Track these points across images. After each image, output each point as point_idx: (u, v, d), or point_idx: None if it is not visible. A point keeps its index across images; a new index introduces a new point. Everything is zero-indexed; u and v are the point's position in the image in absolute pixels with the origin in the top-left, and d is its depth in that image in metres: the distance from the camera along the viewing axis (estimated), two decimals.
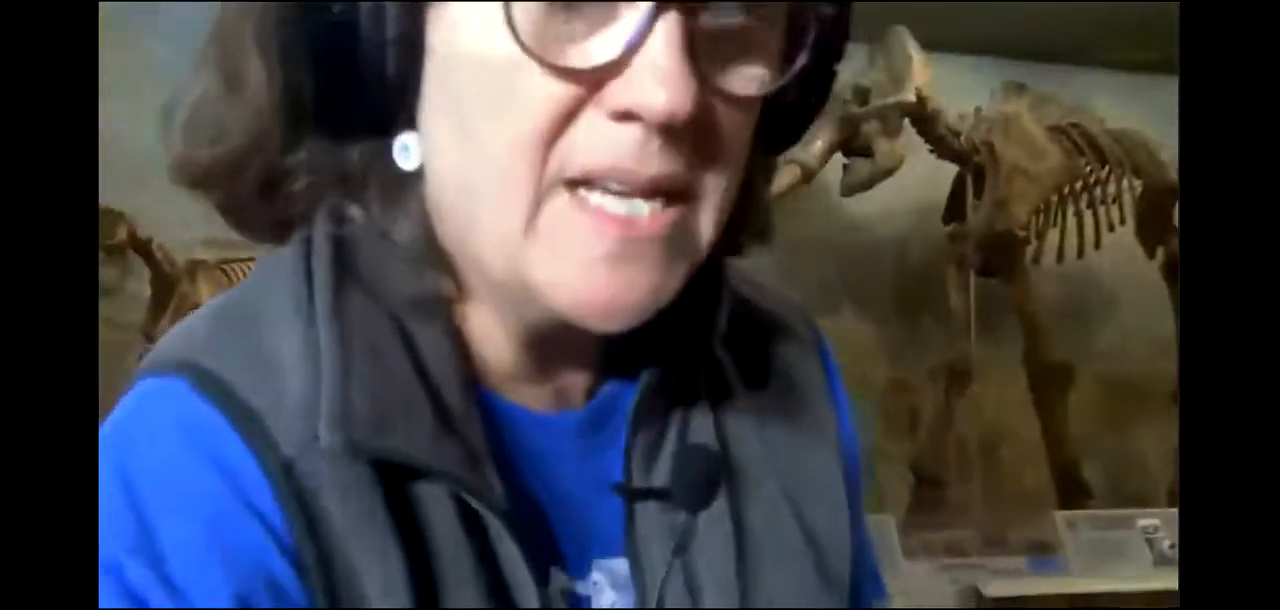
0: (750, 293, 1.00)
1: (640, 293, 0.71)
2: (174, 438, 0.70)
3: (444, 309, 0.77)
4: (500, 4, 0.65)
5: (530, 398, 0.81)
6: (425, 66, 0.71)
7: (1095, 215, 6.81)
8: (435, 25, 0.70)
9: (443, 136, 0.72)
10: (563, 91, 0.67)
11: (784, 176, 6.06)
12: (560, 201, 0.70)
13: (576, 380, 0.84)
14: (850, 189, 6.28)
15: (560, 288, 0.71)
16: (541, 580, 0.75)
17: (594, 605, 0.80)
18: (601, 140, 0.69)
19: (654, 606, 0.78)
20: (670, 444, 0.82)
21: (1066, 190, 6.75)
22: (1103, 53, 8.17)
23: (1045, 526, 5.62)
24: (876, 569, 1.04)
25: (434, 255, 0.76)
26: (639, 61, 0.66)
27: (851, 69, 6.69)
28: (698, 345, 0.84)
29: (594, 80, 0.67)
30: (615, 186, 0.69)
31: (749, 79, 0.73)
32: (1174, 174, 7.10)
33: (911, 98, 6.14)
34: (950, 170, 6.77)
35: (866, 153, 6.06)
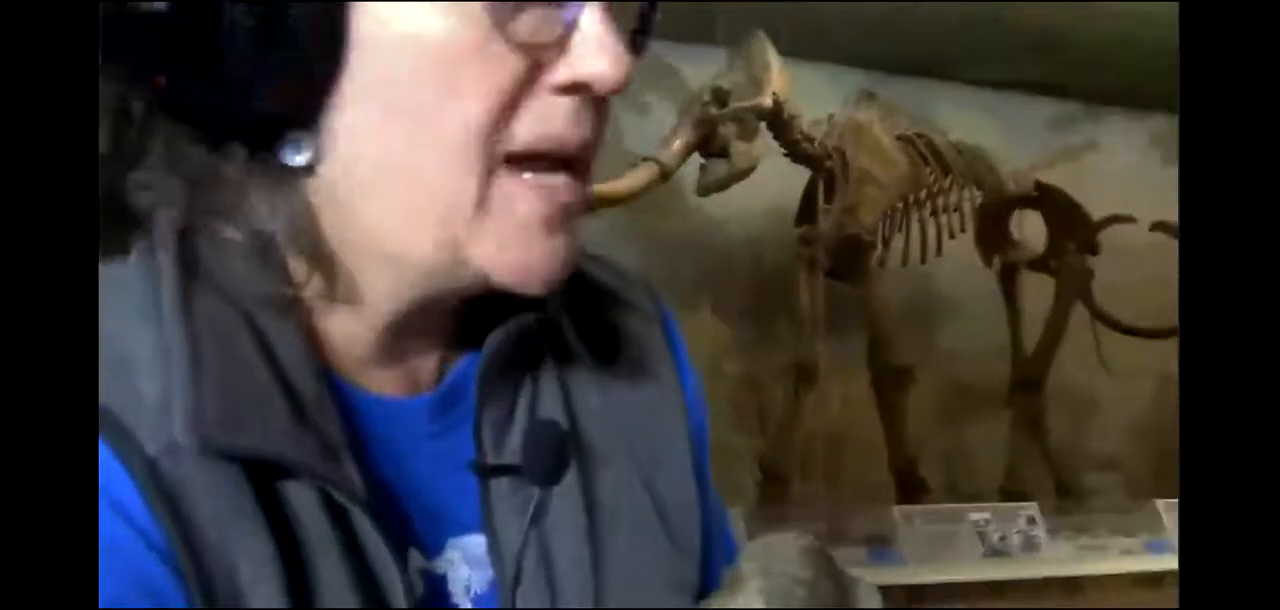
0: (592, 268, 1.00)
1: (564, 256, 0.80)
2: None
3: (295, 303, 0.78)
4: None
5: (384, 383, 0.85)
6: (348, 57, 0.71)
7: (938, 223, 7.07)
8: (364, 15, 0.72)
9: (366, 126, 0.74)
10: (512, 71, 0.73)
11: (641, 174, 6.14)
12: (503, 178, 0.76)
13: (427, 363, 0.88)
14: (706, 189, 6.38)
15: (505, 259, 0.78)
16: (401, 562, 0.79)
17: (450, 583, 0.84)
18: (544, 115, 0.76)
19: (510, 580, 0.82)
20: (520, 420, 0.86)
21: (912, 198, 6.98)
22: (955, 69, 8.50)
23: (884, 520, 5.83)
24: (729, 532, 1.09)
25: (312, 249, 0.77)
26: (579, 38, 0.75)
27: (711, 72, 6.82)
28: (537, 312, 0.86)
29: (535, 60, 0.73)
30: (542, 162, 0.76)
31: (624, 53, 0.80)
32: (1012, 186, 7.45)
33: (768, 102, 6.29)
34: (804, 174, 6.94)
35: (723, 154, 6.16)
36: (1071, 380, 9.13)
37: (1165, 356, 9.41)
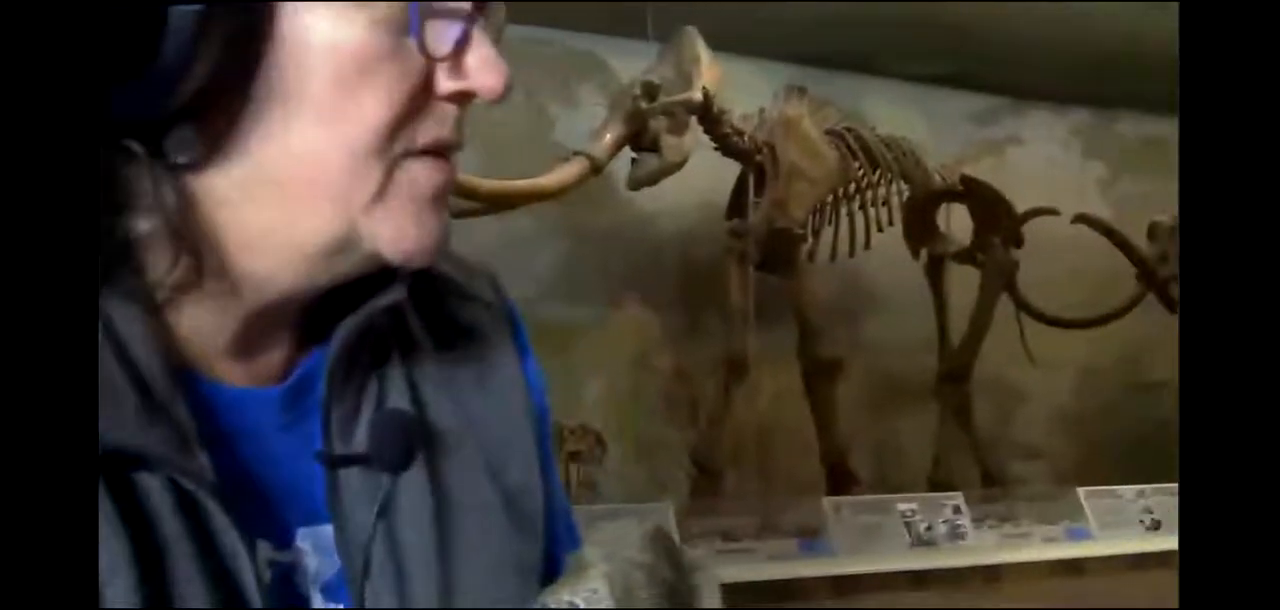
0: (438, 261, 1.02)
1: (443, 233, 0.91)
2: None
3: (147, 296, 0.78)
4: (391, 4, 0.77)
5: (235, 375, 0.86)
6: (262, 60, 0.76)
7: (866, 216, 7.14)
8: (288, 19, 0.76)
9: (277, 123, 0.78)
10: (414, 80, 0.83)
11: (572, 168, 6.13)
12: (399, 168, 0.84)
13: (277, 355, 0.90)
14: (637, 183, 6.38)
15: (401, 238, 0.85)
16: (250, 552, 0.80)
17: (299, 573, 0.84)
18: (439, 118, 0.87)
19: (358, 569, 0.83)
20: (367, 410, 0.88)
21: (841, 192, 7.04)
22: (884, 63, 8.59)
23: (813, 512, 5.87)
24: (570, 517, 1.10)
25: (182, 242, 0.78)
26: (470, 53, 0.86)
27: (641, 65, 6.82)
28: (380, 300, 0.90)
29: (430, 70, 0.83)
30: (429, 153, 0.86)
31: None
32: (938, 180, 7.54)
33: (699, 97, 6.30)
34: (734, 168, 6.96)
35: (654, 148, 6.16)
36: (997, 371, 9.30)
37: (1087, 347, 9.62)
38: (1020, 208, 7.66)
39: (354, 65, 0.77)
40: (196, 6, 0.70)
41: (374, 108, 0.79)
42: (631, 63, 7.39)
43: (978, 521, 6.08)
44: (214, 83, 0.73)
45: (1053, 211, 7.85)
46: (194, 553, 0.77)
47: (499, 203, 6.09)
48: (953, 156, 8.89)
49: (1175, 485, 6.62)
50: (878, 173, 7.07)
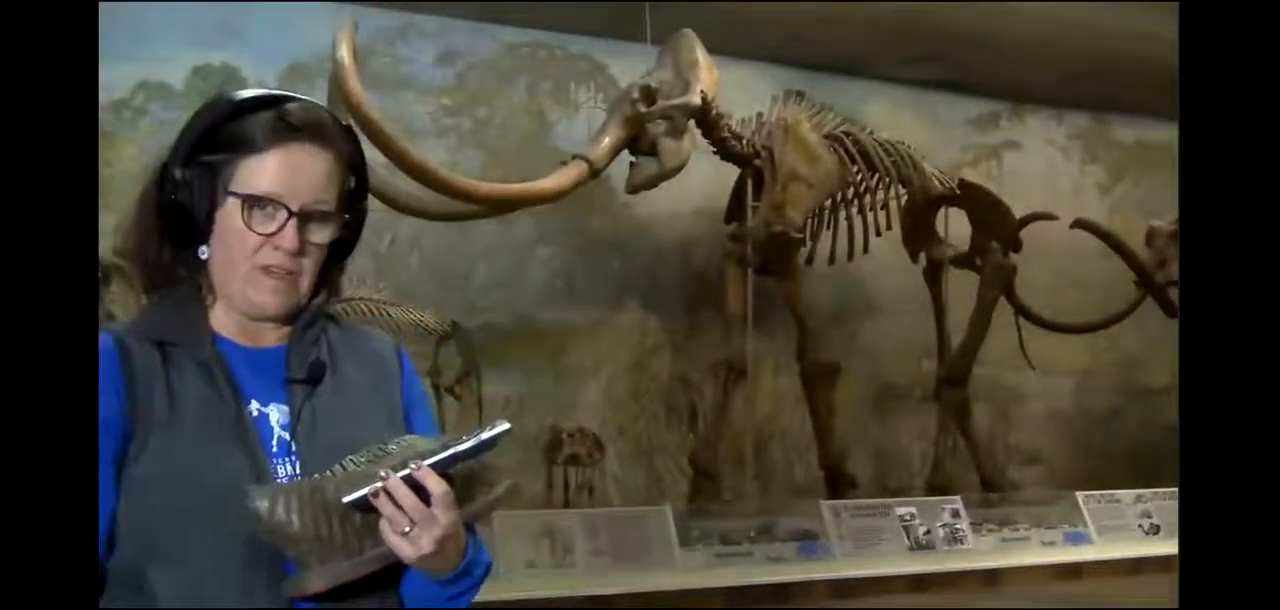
0: (338, 317, 1.90)
1: (289, 305, 1.76)
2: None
3: (202, 302, 1.78)
4: (234, 205, 1.70)
5: (244, 340, 1.79)
6: (215, 223, 1.73)
7: (864, 221, 7.13)
8: (220, 209, 1.73)
9: (215, 245, 1.75)
10: (259, 238, 1.71)
11: (570, 172, 6.12)
12: (256, 271, 1.73)
13: (271, 336, 1.80)
14: (635, 186, 6.38)
15: (258, 305, 1.75)
16: (241, 403, 1.72)
17: (270, 421, 1.74)
18: (272, 255, 1.71)
19: (295, 420, 1.75)
20: (306, 362, 1.78)
21: (839, 196, 7.03)
22: (883, 67, 8.60)
23: (812, 515, 5.87)
24: (431, 420, 1.96)
25: (209, 282, 1.77)
26: (284, 231, 1.70)
27: (639, 69, 6.83)
28: (310, 321, 1.82)
29: (268, 235, 1.72)
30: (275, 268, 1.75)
31: (322, 235, 1.76)
32: (937, 185, 7.54)
33: (697, 100, 6.34)
34: (732, 172, 6.97)
35: (652, 152, 6.16)
36: (995, 376, 9.30)
37: (1086, 352, 9.64)
38: (1018, 212, 7.68)
39: (236, 226, 1.71)
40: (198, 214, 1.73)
41: (242, 245, 1.72)
42: (630, 66, 7.48)
43: (976, 525, 6.08)
44: (202, 232, 1.75)
45: (1051, 216, 7.86)
46: (208, 395, 1.72)
47: (498, 206, 6.09)
48: (951, 161, 9.06)
49: (1174, 490, 6.62)
50: (876, 177, 7.06)
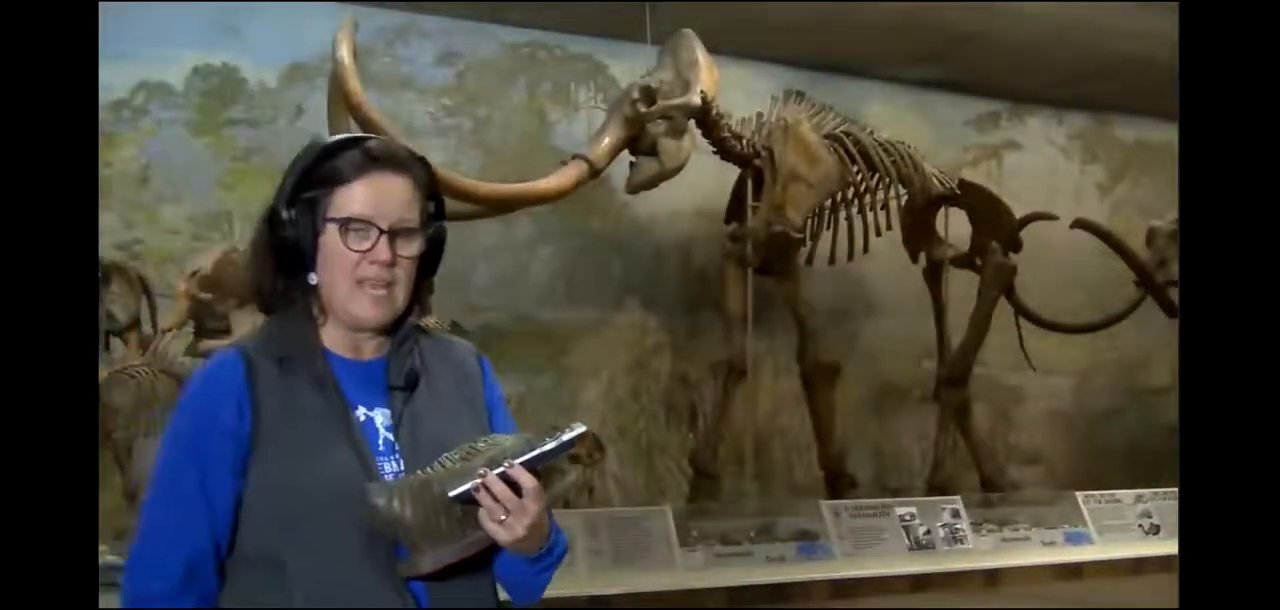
0: (430, 331, 2.18)
1: (386, 314, 2.03)
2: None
3: (313, 318, 2.05)
4: (333, 230, 2.01)
5: (350, 353, 2.06)
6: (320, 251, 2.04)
7: (864, 221, 7.12)
8: (321, 230, 2.02)
9: (321, 268, 2.03)
10: (356, 256, 1.99)
11: (570, 172, 6.12)
12: (355, 286, 2.01)
13: (371, 349, 2.08)
14: (635, 187, 6.38)
15: (359, 316, 2.02)
16: (349, 409, 2.00)
17: (376, 423, 2.01)
18: (368, 269, 1.99)
19: (396, 422, 2.03)
20: (403, 371, 2.06)
21: (839, 196, 7.03)
22: (883, 67, 8.61)
23: (812, 515, 5.87)
24: (509, 416, 2.22)
25: (318, 304, 2.05)
26: (376, 246, 2.00)
27: (639, 69, 6.83)
28: (406, 335, 2.11)
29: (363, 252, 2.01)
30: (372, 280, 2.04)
31: (409, 249, 2.04)
32: (937, 185, 7.54)
33: (697, 100, 6.32)
34: (733, 172, 6.98)
35: (652, 152, 6.16)
36: (996, 376, 9.31)
37: (1086, 352, 9.64)
38: (1018, 212, 7.67)
39: (338, 249, 2.00)
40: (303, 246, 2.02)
41: (344, 263, 2.00)
42: (630, 66, 7.49)
43: (976, 525, 6.07)
44: (310, 260, 2.03)
45: (1051, 216, 7.85)
46: (322, 403, 1.99)
47: (498, 206, 6.07)
48: (951, 161, 9.05)
49: (1174, 490, 6.63)
50: (876, 177, 7.05)
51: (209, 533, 1.92)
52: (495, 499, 1.86)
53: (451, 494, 1.86)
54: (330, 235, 1.95)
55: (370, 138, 2.08)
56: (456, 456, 1.92)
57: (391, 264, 1.97)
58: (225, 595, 1.95)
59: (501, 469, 1.86)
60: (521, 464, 1.87)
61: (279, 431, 1.94)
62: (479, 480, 1.84)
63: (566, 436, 1.92)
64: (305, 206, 1.97)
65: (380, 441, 1.98)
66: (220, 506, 1.92)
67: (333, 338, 2.01)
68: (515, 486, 1.87)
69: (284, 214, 1.96)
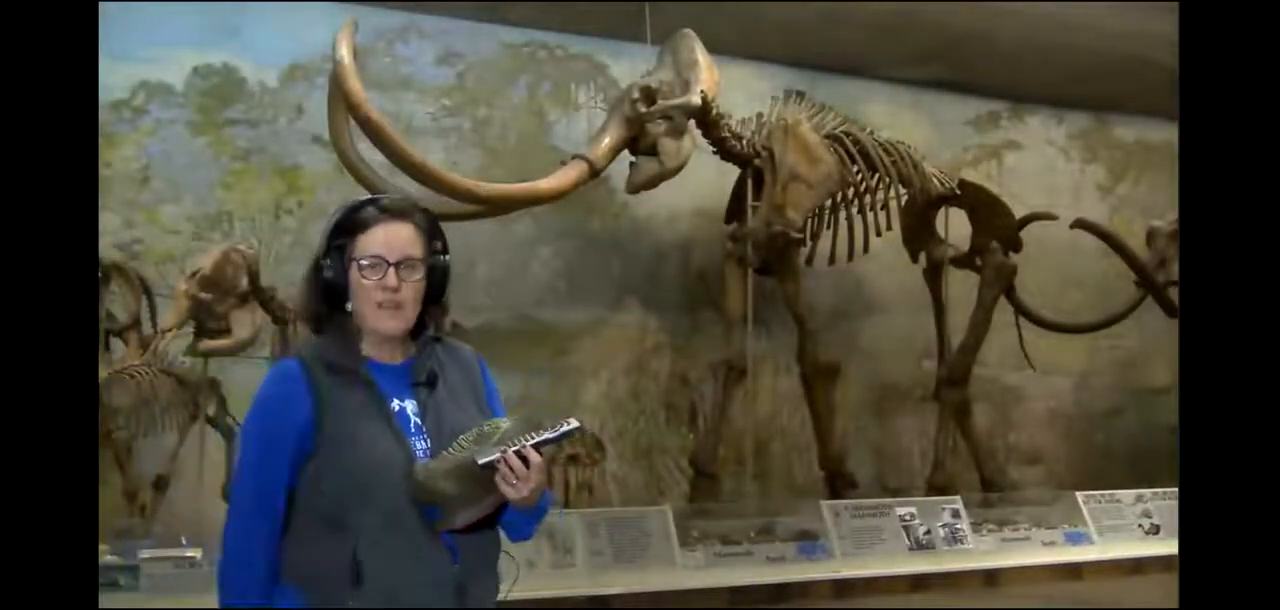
0: (443, 339, 2.75)
1: (399, 326, 2.63)
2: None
3: (354, 334, 2.62)
4: (356, 268, 2.61)
5: (383, 358, 2.64)
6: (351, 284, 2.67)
7: (864, 221, 7.12)
8: (350, 268, 2.62)
9: (355, 296, 2.60)
10: (373, 285, 2.58)
11: (570, 172, 6.11)
12: (375, 306, 2.59)
13: (399, 355, 2.66)
14: (635, 187, 6.38)
15: (381, 328, 2.60)
16: (383, 400, 2.59)
17: (408, 413, 2.60)
18: (381, 294, 2.58)
19: (422, 410, 2.62)
20: (426, 369, 2.66)
21: (839, 196, 7.02)
22: (883, 67, 8.60)
23: (812, 515, 5.87)
24: (502, 405, 2.78)
25: (356, 322, 2.62)
26: (386, 275, 2.60)
27: (639, 69, 6.82)
28: (425, 343, 2.72)
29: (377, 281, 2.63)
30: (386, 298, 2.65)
31: (412, 276, 2.64)
32: (937, 185, 7.53)
33: (697, 100, 6.32)
34: (733, 172, 6.97)
35: (652, 152, 6.16)
36: (996, 376, 9.30)
37: (1086, 352, 9.64)
38: (1018, 212, 7.66)
39: (362, 280, 2.58)
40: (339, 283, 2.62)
41: (368, 288, 2.57)
42: (630, 66, 7.47)
43: (976, 525, 6.07)
44: (345, 294, 2.62)
45: (1051, 216, 7.84)
46: (366, 398, 2.56)
47: (498, 206, 6.09)
48: (951, 161, 9.00)
49: (1174, 490, 6.62)
50: (876, 177, 7.04)
51: (279, 519, 2.54)
52: (510, 469, 2.43)
53: (481, 462, 2.43)
54: (356, 272, 2.56)
55: (383, 197, 2.73)
56: (470, 437, 2.51)
57: (397, 289, 2.57)
58: (294, 552, 2.53)
59: (516, 447, 2.43)
60: (533, 446, 2.44)
61: (337, 421, 2.54)
62: (501, 454, 2.42)
63: (565, 428, 2.48)
64: (338, 253, 2.58)
65: (411, 426, 2.58)
66: (283, 492, 2.53)
67: (370, 349, 2.61)
68: (525, 460, 2.44)
69: (326, 261, 2.57)
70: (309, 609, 2.50)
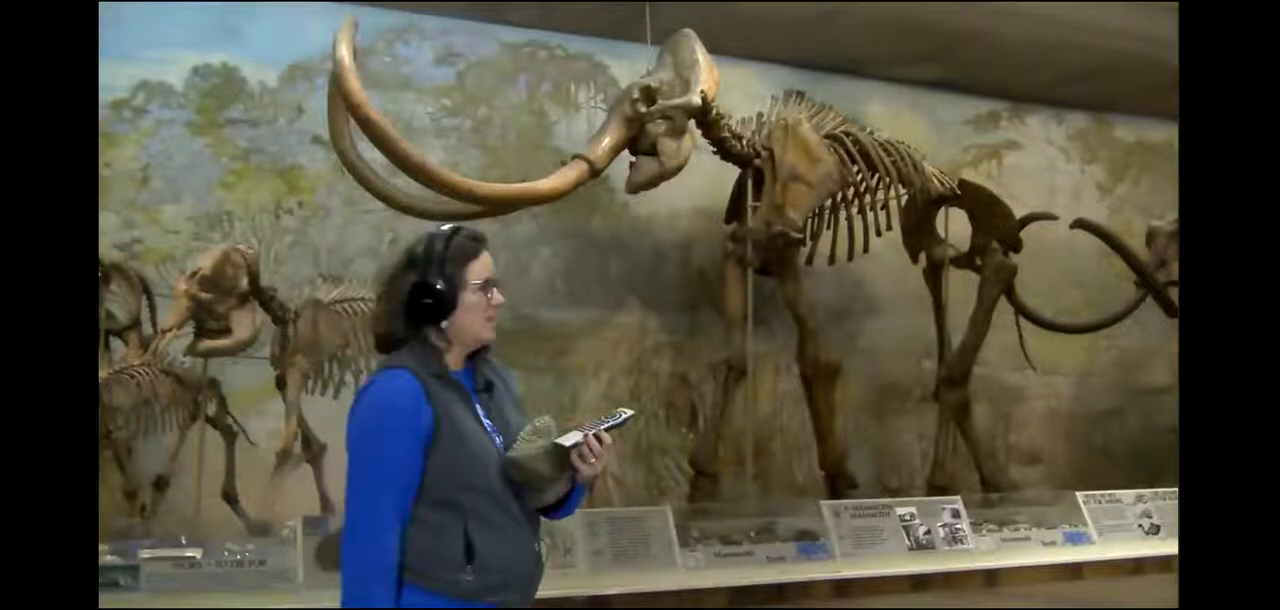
0: (491, 357, 3.21)
1: (494, 335, 3.13)
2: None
3: (441, 351, 3.04)
4: (472, 290, 3.09)
5: (454, 367, 3.04)
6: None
7: (864, 221, 7.12)
8: (461, 287, 3.07)
9: (460, 311, 3.06)
10: (487, 302, 3.09)
11: (570, 172, 6.11)
12: (485, 321, 3.10)
13: (458, 363, 3.07)
14: (635, 187, 6.38)
15: (487, 338, 3.09)
16: (469, 395, 3.07)
17: (479, 414, 3.08)
18: (491, 309, 3.09)
19: (489, 413, 3.07)
20: (484, 377, 3.12)
21: (839, 196, 7.02)
22: (883, 67, 8.60)
23: (812, 515, 5.87)
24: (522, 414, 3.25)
25: (447, 341, 3.07)
26: (496, 292, 3.12)
27: (639, 69, 6.82)
28: (483, 354, 3.17)
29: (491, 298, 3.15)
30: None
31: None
32: (937, 185, 7.53)
33: (697, 100, 6.31)
34: (733, 172, 6.97)
35: (652, 152, 6.16)
36: (996, 376, 9.30)
37: (1086, 352, 9.64)
38: (1018, 212, 7.65)
39: (474, 294, 3.06)
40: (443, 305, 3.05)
41: (478, 300, 3.06)
42: (630, 66, 7.48)
43: (976, 525, 6.07)
44: (448, 310, 3.07)
45: (1051, 216, 7.85)
46: (462, 401, 2.99)
47: (498, 206, 6.07)
48: (951, 161, 8.99)
49: (1174, 490, 6.62)
50: (876, 177, 7.04)
51: (407, 517, 2.91)
52: (591, 451, 2.90)
53: (569, 444, 2.90)
54: (471, 292, 3.00)
55: (465, 227, 3.12)
56: (527, 432, 3.00)
57: (498, 305, 3.07)
58: (416, 528, 2.89)
59: (591, 432, 2.92)
60: (604, 431, 2.93)
61: (448, 419, 2.91)
62: (584, 437, 2.90)
63: (624, 416, 3.04)
64: (449, 277, 2.98)
65: (486, 425, 3.01)
66: (415, 477, 2.89)
67: (448, 360, 3.02)
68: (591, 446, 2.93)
69: (437, 284, 2.98)
70: (429, 596, 2.87)
